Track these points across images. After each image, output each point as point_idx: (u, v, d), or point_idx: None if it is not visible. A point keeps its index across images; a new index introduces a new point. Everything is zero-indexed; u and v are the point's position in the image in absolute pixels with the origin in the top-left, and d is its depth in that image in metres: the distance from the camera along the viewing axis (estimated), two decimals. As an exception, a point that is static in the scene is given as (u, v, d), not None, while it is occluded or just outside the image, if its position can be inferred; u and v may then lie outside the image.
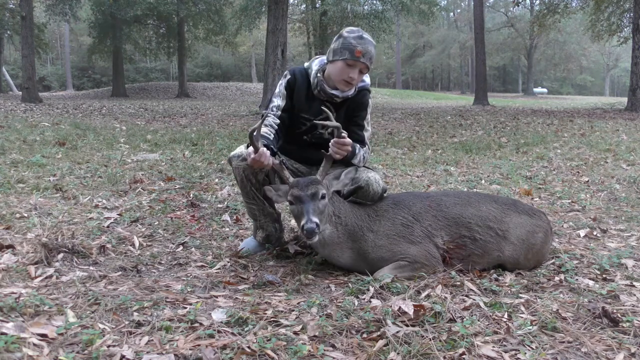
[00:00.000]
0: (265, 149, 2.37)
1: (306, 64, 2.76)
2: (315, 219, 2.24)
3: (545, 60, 49.95)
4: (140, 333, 1.79)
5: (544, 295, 2.23)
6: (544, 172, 5.51)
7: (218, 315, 1.94)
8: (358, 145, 2.59)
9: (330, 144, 2.42)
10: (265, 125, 2.61)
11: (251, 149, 2.36)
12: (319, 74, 2.64)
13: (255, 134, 2.31)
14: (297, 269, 2.56)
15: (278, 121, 2.66)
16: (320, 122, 2.58)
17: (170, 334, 1.78)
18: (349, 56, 2.50)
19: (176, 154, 6.26)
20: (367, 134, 2.73)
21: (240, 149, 2.65)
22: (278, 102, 2.70)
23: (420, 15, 22.59)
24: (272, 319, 1.93)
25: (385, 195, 2.65)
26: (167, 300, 2.09)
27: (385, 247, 2.45)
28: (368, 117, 2.74)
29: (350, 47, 2.50)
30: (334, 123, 2.41)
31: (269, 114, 2.67)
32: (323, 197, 2.33)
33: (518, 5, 22.43)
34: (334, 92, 2.62)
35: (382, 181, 2.60)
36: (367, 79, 2.74)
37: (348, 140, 2.41)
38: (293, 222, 3.17)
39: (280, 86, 2.72)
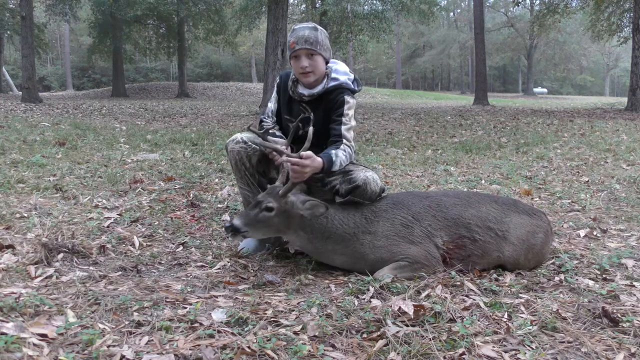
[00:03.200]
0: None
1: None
2: (237, 222, 2.35)
3: (545, 60, 49.97)
4: (140, 333, 1.79)
5: (544, 295, 2.23)
6: (544, 172, 5.51)
7: (218, 315, 1.95)
8: (333, 151, 2.52)
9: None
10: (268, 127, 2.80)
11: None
12: (293, 75, 2.76)
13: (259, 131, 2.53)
14: (297, 269, 2.56)
15: (275, 125, 2.83)
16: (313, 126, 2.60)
17: (170, 334, 1.78)
18: (289, 52, 2.68)
19: (176, 154, 6.26)
20: (344, 127, 2.65)
21: (236, 135, 2.76)
22: (271, 106, 2.87)
23: (420, 15, 22.57)
24: (272, 319, 1.93)
25: (384, 194, 2.65)
26: (167, 300, 2.09)
27: (385, 247, 2.44)
28: (348, 112, 2.67)
29: (289, 45, 2.68)
30: (273, 145, 2.55)
31: (264, 119, 2.86)
32: (268, 209, 2.37)
33: (518, 5, 22.42)
34: (301, 91, 2.73)
35: (380, 180, 2.60)
36: (341, 77, 2.71)
37: (305, 162, 2.34)
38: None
39: (273, 90, 2.91)
